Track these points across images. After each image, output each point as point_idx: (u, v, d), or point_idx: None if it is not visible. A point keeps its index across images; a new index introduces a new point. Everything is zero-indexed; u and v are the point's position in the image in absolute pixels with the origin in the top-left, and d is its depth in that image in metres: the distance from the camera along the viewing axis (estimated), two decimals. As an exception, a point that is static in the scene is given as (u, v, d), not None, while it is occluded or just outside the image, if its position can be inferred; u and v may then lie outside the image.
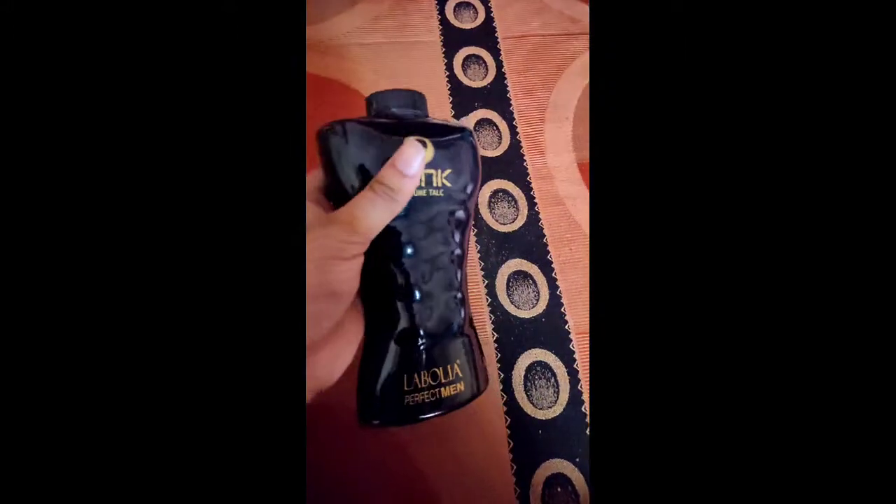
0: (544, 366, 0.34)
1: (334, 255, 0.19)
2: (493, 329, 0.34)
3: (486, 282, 0.35)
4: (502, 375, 0.33)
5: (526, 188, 0.39)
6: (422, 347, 0.21)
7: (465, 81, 0.42)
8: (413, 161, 0.20)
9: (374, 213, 0.20)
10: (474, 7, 0.46)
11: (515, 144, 0.40)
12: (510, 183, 0.39)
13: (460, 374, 0.22)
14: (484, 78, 0.43)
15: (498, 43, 0.44)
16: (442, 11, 0.45)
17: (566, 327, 0.35)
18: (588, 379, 0.34)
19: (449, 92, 0.42)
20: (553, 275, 0.36)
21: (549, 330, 0.35)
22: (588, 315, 0.35)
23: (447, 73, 0.42)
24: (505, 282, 0.36)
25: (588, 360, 0.34)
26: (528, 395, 0.33)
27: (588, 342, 0.34)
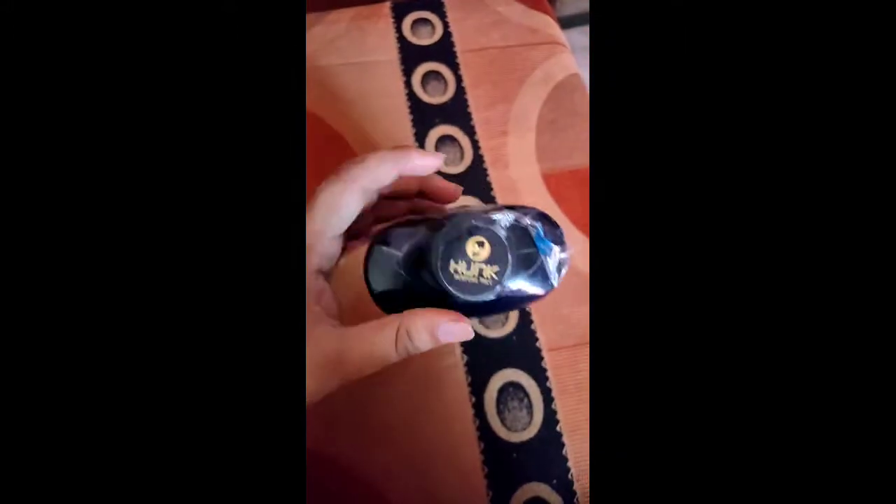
0: (517, 386, 0.33)
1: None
2: (463, 351, 0.33)
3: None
4: (474, 399, 0.32)
5: (490, 202, 0.38)
6: None
7: (425, 98, 0.42)
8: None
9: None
10: (432, 23, 0.45)
11: (478, 159, 0.40)
12: (474, 199, 0.38)
13: None
14: (444, 94, 0.42)
15: (457, 57, 0.44)
16: (399, 29, 0.45)
17: (537, 344, 0.34)
18: (560, 396, 0.33)
19: (409, 110, 0.41)
20: (521, 291, 0.35)
21: (521, 348, 0.34)
22: (559, 331, 0.34)
23: (406, 91, 0.42)
24: (473, 301, 0.35)
25: (559, 376, 0.33)
26: (500, 418, 0.32)
27: (560, 358, 0.34)
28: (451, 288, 0.19)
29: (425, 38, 0.45)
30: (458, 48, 0.44)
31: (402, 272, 0.21)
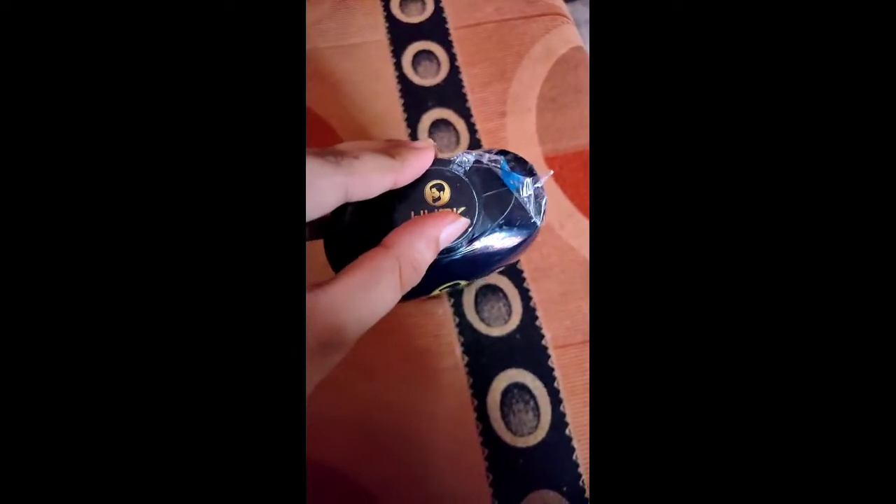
0: (522, 387, 0.31)
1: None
2: (463, 352, 0.31)
3: (453, 300, 0.32)
4: (476, 402, 0.30)
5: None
6: None
7: (417, 80, 0.39)
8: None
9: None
10: (422, -2, 0.42)
11: (475, 144, 0.37)
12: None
13: None
14: (436, 74, 0.39)
15: (449, 34, 0.41)
16: (387, 7, 0.42)
17: (543, 342, 0.31)
18: (569, 397, 0.30)
19: (399, 94, 0.38)
20: (525, 285, 0.33)
21: (525, 347, 0.31)
22: (566, 327, 0.32)
23: (396, 73, 0.39)
24: (473, 298, 0.32)
25: (568, 376, 0.31)
26: (505, 422, 0.30)
27: (568, 357, 0.31)
28: None
29: (415, 15, 0.41)
30: (450, 24, 0.41)
31: (361, 236, 0.18)
